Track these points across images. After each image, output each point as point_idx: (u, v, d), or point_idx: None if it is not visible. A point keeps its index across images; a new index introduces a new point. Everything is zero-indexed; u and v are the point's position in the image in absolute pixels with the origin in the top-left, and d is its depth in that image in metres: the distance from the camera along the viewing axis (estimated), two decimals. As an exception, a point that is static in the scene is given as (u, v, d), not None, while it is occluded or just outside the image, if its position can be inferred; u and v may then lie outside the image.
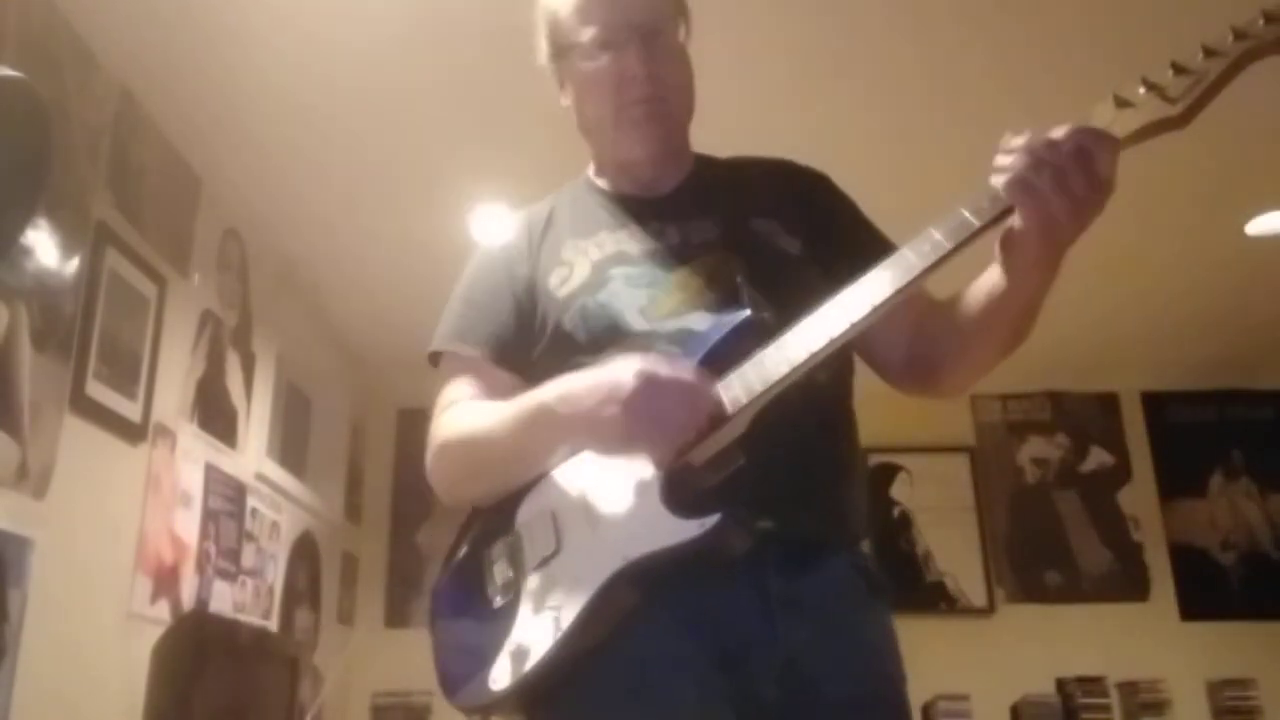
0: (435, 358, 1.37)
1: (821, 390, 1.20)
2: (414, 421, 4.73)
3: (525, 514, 1.20)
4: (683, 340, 1.17)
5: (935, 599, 4.75)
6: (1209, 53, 0.91)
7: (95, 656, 2.45)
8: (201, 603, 2.99)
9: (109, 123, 2.59)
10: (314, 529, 4.09)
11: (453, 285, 1.44)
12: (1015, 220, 1.00)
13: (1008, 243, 1.02)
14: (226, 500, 3.21)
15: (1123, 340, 4.62)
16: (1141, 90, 0.95)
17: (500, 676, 1.12)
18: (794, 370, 1.05)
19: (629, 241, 1.31)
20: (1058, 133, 0.99)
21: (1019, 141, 1.00)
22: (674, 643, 1.10)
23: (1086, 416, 5.06)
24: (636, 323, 1.21)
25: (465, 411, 1.28)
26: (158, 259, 2.81)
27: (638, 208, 1.36)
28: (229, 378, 3.30)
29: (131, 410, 2.63)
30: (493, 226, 3.40)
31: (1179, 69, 0.92)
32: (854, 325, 1.04)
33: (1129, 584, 4.78)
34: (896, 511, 4.87)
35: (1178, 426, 5.01)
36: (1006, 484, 4.96)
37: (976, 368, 1.23)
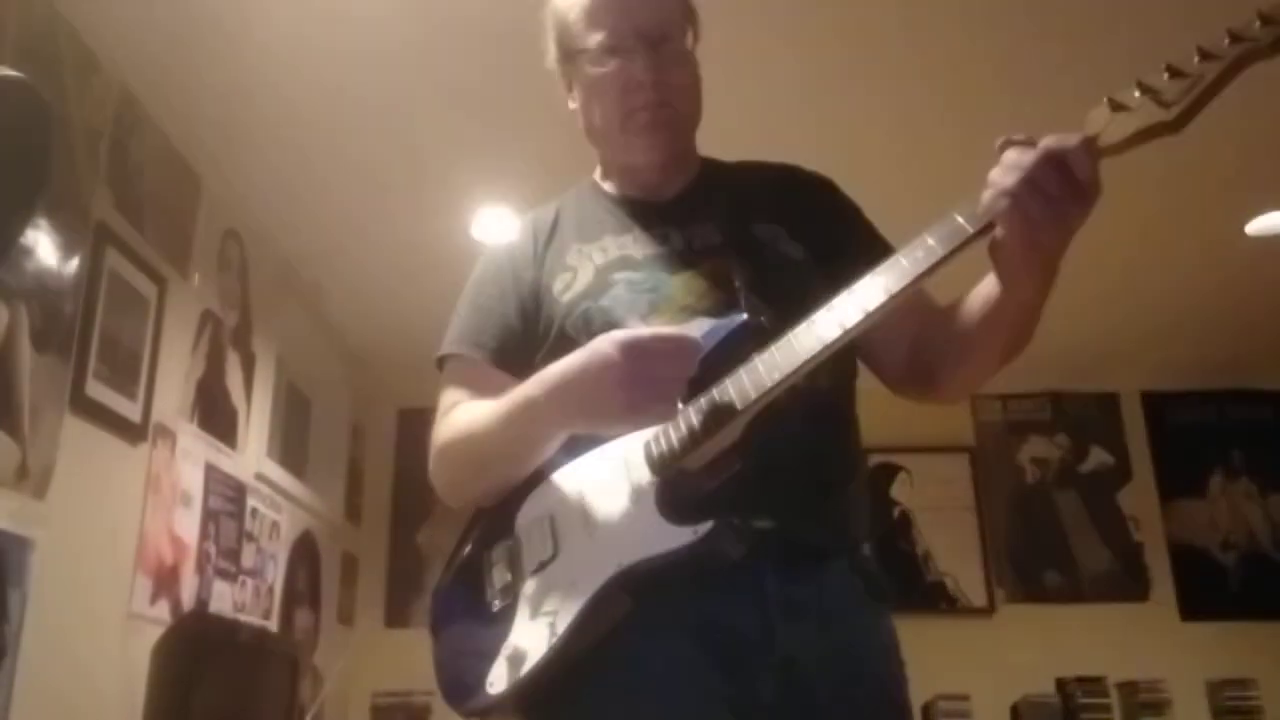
0: (441, 362, 1.38)
1: (822, 394, 1.21)
2: (414, 421, 4.73)
3: (525, 518, 1.20)
4: None
5: (935, 599, 4.75)
6: (1205, 56, 0.90)
7: (95, 656, 2.45)
8: (201, 603, 2.99)
9: (109, 123, 2.59)
10: (314, 529, 4.09)
11: (454, 286, 1.45)
12: (997, 228, 1.00)
13: (993, 251, 1.02)
14: (226, 500, 3.21)
15: (1123, 340, 4.61)
16: (1136, 94, 0.94)
17: (497, 680, 1.12)
18: (787, 377, 1.05)
19: (633, 246, 1.32)
20: (1042, 141, 1.00)
21: (1006, 154, 1.01)
22: (672, 645, 1.10)
23: (1086, 416, 5.05)
24: (637, 327, 1.21)
25: (463, 413, 1.29)
26: (158, 259, 2.81)
27: (643, 212, 1.36)
28: (229, 378, 3.30)
29: (131, 410, 2.63)
30: (495, 229, 3.41)
31: (1174, 72, 0.91)
32: (847, 332, 1.04)
33: (1129, 584, 4.78)
34: (896, 511, 4.87)
35: (1178, 426, 5.01)
36: (1006, 484, 4.96)
37: (976, 374, 1.23)
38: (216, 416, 3.18)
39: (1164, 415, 5.03)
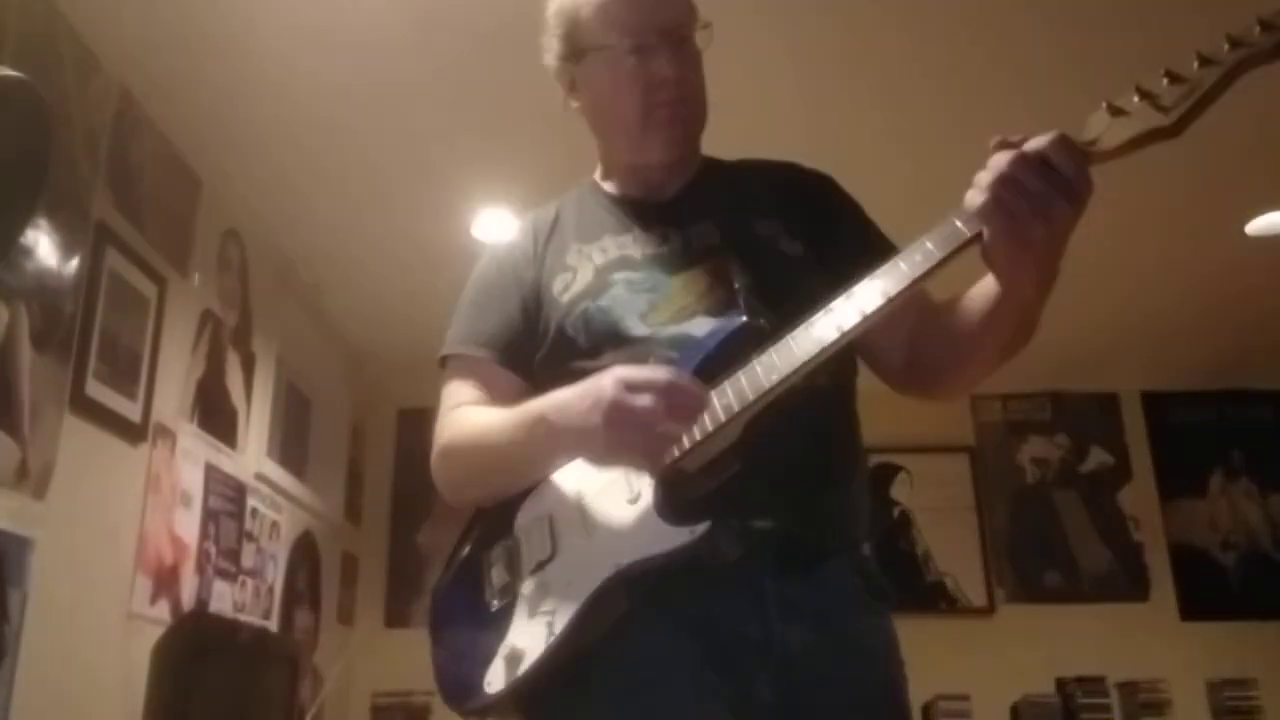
0: (444, 361, 1.38)
1: (822, 393, 1.21)
2: (414, 421, 4.73)
3: (524, 518, 1.21)
4: (681, 345, 1.18)
5: (935, 599, 4.75)
6: (1203, 61, 0.90)
7: (95, 656, 2.45)
8: (201, 603, 2.99)
9: (109, 123, 2.59)
10: (314, 529, 4.09)
11: (455, 286, 1.45)
12: (984, 228, 1.00)
13: (984, 252, 1.02)
14: (226, 500, 3.21)
15: (1123, 340, 4.61)
16: (1135, 99, 0.94)
17: (495, 679, 1.13)
18: (785, 379, 1.05)
19: (632, 246, 1.32)
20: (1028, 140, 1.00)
21: (995, 155, 1.01)
22: (670, 645, 1.10)
23: (1086, 416, 5.06)
24: (636, 328, 1.22)
25: (469, 415, 1.30)
26: (158, 259, 2.81)
27: (643, 211, 1.36)
28: (229, 378, 3.30)
29: (131, 410, 2.63)
30: (495, 229, 3.41)
31: (1173, 77, 0.92)
32: (845, 334, 1.04)
33: (1129, 584, 4.78)
34: (896, 511, 4.87)
35: (1178, 426, 5.01)
36: (1006, 484, 4.96)
37: (975, 372, 1.22)
38: (216, 416, 3.18)
39: (1164, 415, 5.03)
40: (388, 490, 4.86)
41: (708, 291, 1.23)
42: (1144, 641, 4.60)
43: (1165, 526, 4.87)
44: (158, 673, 2.54)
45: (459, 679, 1.18)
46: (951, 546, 4.81)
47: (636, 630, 1.09)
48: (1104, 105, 0.96)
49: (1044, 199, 0.96)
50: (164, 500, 2.79)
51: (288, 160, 3.13)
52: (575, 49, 1.36)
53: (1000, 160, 0.98)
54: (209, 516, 3.07)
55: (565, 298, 1.29)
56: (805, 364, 1.05)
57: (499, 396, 1.26)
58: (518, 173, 3.13)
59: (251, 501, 3.42)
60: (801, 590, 1.15)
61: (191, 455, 2.98)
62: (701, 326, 1.18)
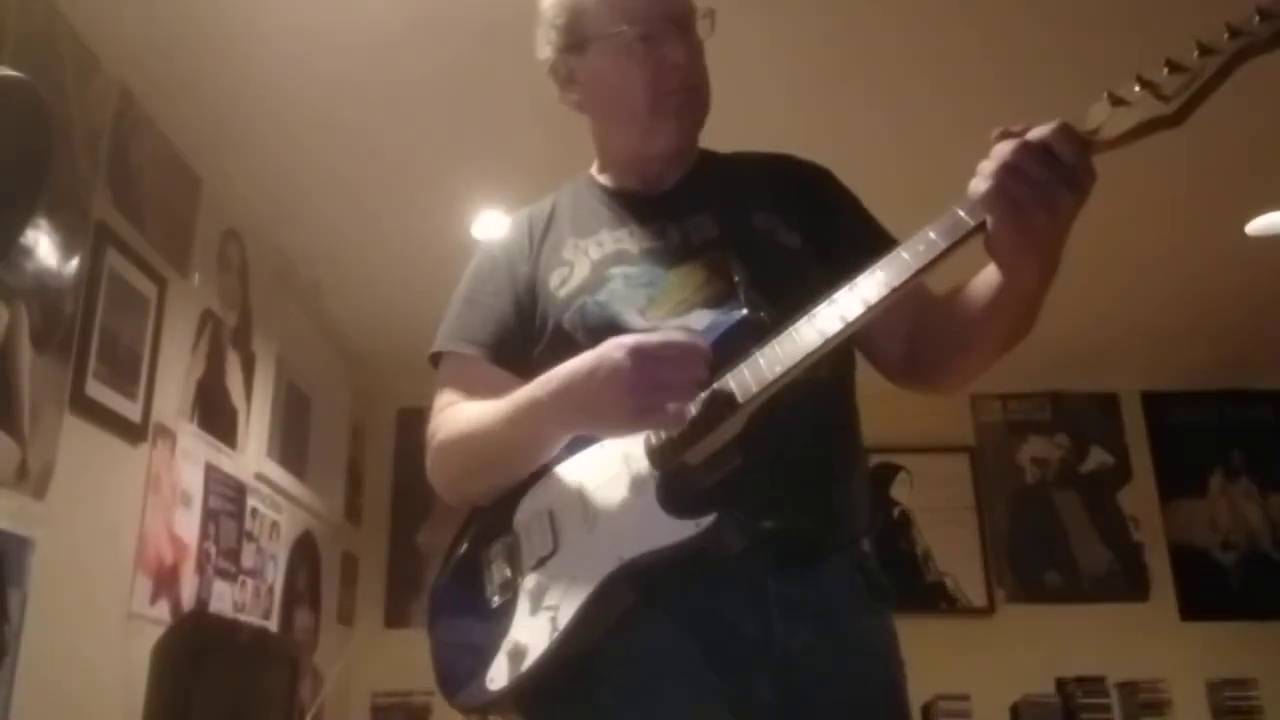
0: (436, 358, 1.37)
1: (823, 386, 1.20)
2: (414, 421, 4.72)
3: (523, 514, 1.20)
4: None
5: (935, 599, 4.75)
6: (1204, 50, 0.91)
7: (95, 656, 2.45)
8: (201, 603, 2.99)
9: (109, 123, 2.59)
10: (314, 529, 4.09)
11: (454, 285, 1.44)
12: (987, 217, 1.00)
13: (987, 241, 1.02)
14: (226, 500, 3.21)
15: (1123, 340, 4.61)
16: (1136, 88, 0.94)
17: (498, 676, 1.12)
18: (788, 371, 1.05)
19: (629, 240, 1.31)
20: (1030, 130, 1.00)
21: (997, 145, 1.01)
22: (671, 643, 1.10)
23: (1086, 416, 5.06)
24: (635, 322, 1.21)
25: (462, 411, 1.28)
26: (158, 259, 2.81)
27: (639, 205, 1.36)
28: (229, 378, 3.30)
29: (131, 410, 2.63)
30: (496, 229, 3.40)
31: (1174, 66, 0.92)
32: (848, 325, 1.04)
33: (1129, 584, 4.78)
34: (896, 511, 4.87)
35: (1178, 426, 5.01)
36: (1006, 484, 4.96)
37: (975, 364, 1.22)
38: (216, 416, 3.18)
39: (1164, 415, 5.03)
40: (388, 490, 4.86)
41: (706, 285, 1.23)
42: (1144, 641, 4.60)
43: (1165, 526, 4.87)
44: (158, 673, 2.53)
45: (460, 676, 1.17)
46: (951, 546, 4.81)
47: (637, 628, 1.09)
48: (1105, 95, 0.97)
49: (1047, 187, 0.96)
50: (164, 500, 2.79)
51: (288, 160, 3.14)
52: (578, 39, 1.35)
53: (1003, 149, 0.98)
54: (209, 516, 3.07)
55: (562, 293, 1.29)
56: (810, 355, 1.04)
57: (491, 394, 1.25)
58: (518, 173, 3.12)
59: (251, 501, 3.42)
60: (802, 589, 1.14)
61: (191, 455, 2.98)
62: (700, 320, 1.17)
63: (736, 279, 1.18)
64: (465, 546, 1.26)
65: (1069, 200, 0.97)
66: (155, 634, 2.62)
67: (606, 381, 1.06)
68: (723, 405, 1.07)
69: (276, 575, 3.66)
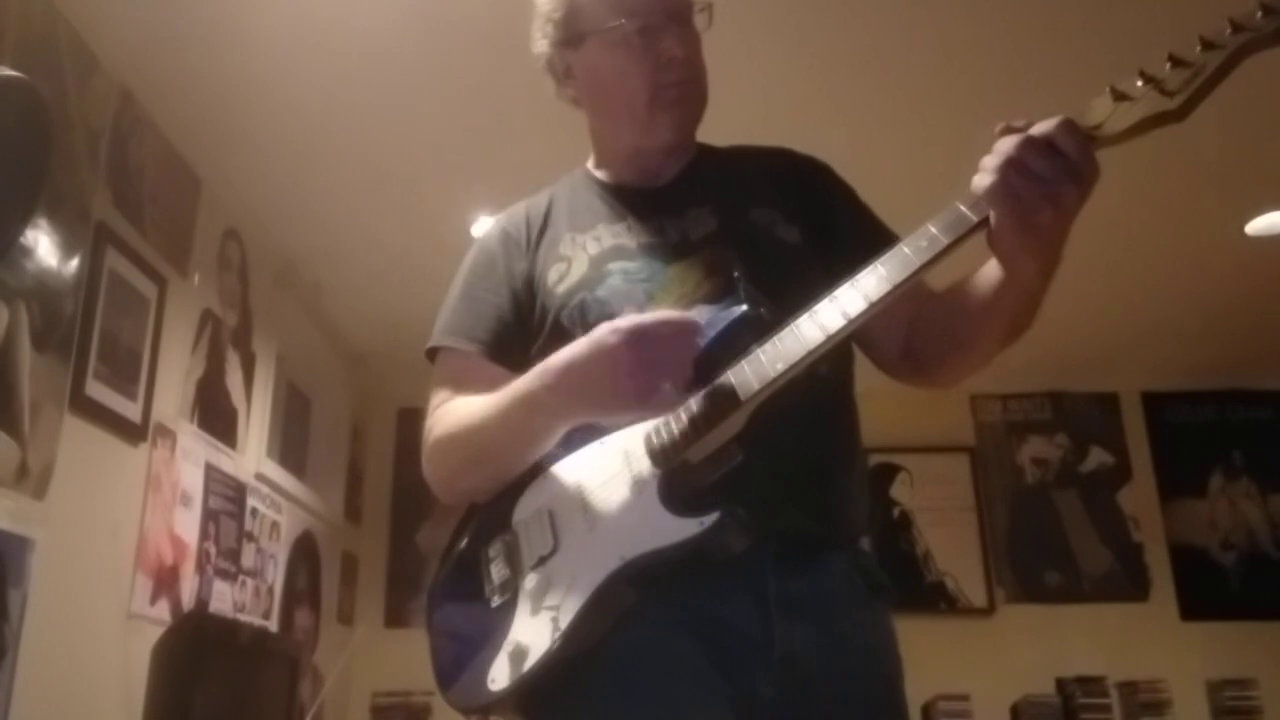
0: (433, 353, 1.36)
1: (822, 382, 1.20)
2: (414, 421, 4.69)
3: (522, 512, 1.19)
4: None
5: (935, 599, 4.75)
6: (1206, 45, 0.91)
7: (95, 656, 2.45)
8: (201, 603, 2.99)
9: (109, 123, 2.59)
10: (314, 529, 4.09)
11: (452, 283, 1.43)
12: (991, 212, 1.00)
13: (990, 236, 1.02)
14: (226, 500, 3.21)
15: (1123, 340, 4.61)
16: (1139, 84, 0.94)
17: (499, 677, 1.11)
18: (791, 368, 1.05)
19: (627, 235, 1.31)
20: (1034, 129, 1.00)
21: (1000, 140, 1.01)
22: (672, 642, 1.10)
23: (1086, 416, 5.06)
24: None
25: (458, 406, 1.28)
26: (158, 259, 2.81)
27: (637, 199, 1.35)
28: (229, 378, 3.30)
29: (131, 410, 2.63)
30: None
31: (1176, 61, 0.92)
32: (851, 322, 1.04)
33: (1129, 584, 4.78)
34: (896, 511, 4.87)
35: (1178, 426, 5.01)
36: (1006, 484, 4.96)
37: (974, 359, 1.22)
38: (216, 416, 3.18)
39: (1164, 415, 5.03)
40: (388, 490, 4.86)
41: (705, 280, 1.22)
42: (1144, 641, 4.60)
43: (1165, 526, 4.87)
44: (158, 673, 2.53)
45: (461, 677, 1.16)
46: (951, 546, 4.81)
47: (638, 629, 1.08)
48: (1108, 90, 0.96)
49: (1051, 183, 0.96)
50: (164, 500, 2.79)
51: (288, 160, 3.13)
52: (574, 33, 1.34)
53: (1006, 144, 0.98)
54: (209, 516, 3.07)
55: (561, 289, 1.28)
56: (812, 352, 1.04)
57: (489, 391, 1.23)
58: (517, 174, 3.08)
59: (251, 501, 3.42)
60: (802, 587, 1.14)
61: (191, 455, 2.98)
62: (701, 316, 1.17)
63: (736, 274, 1.18)
64: (464, 545, 1.25)
65: (1073, 196, 0.97)
66: (155, 634, 2.61)
67: (602, 365, 1.06)
68: (724, 402, 1.07)
69: (276, 575, 3.66)
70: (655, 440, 1.11)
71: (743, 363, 1.08)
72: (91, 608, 2.44)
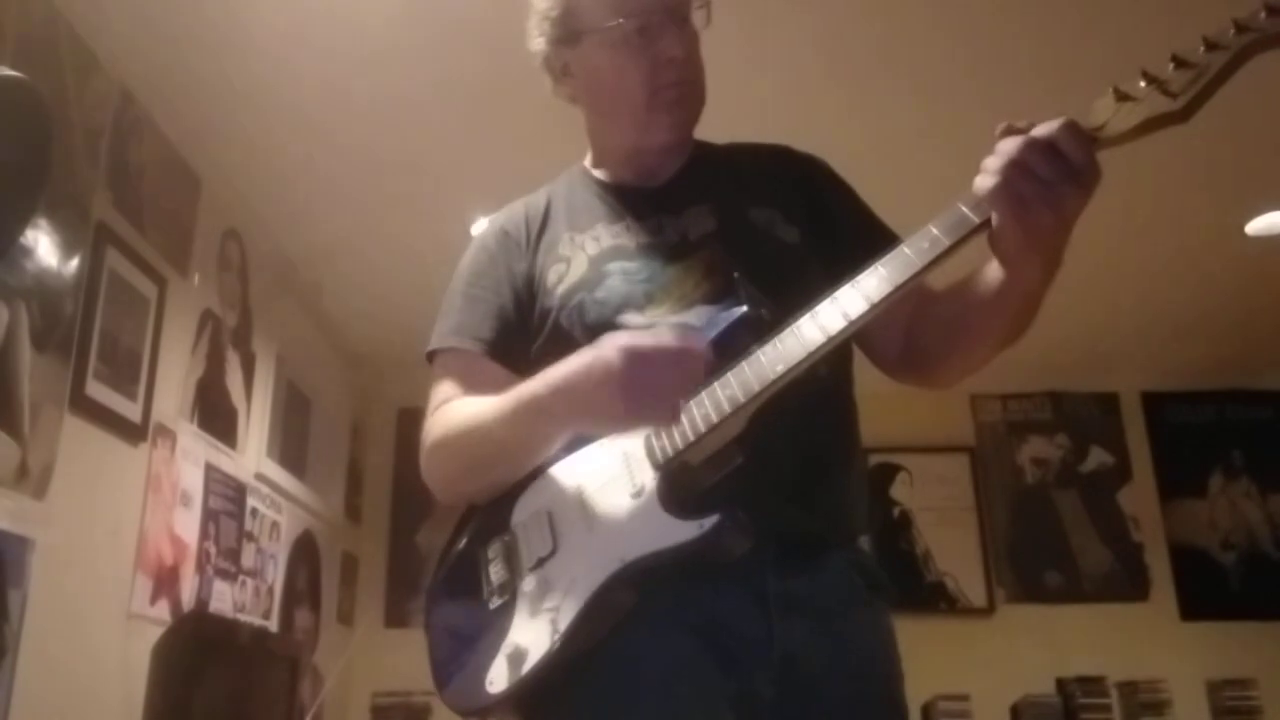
0: (433, 355, 1.36)
1: (822, 383, 1.19)
2: (414, 421, 4.68)
3: (521, 514, 1.19)
4: None
5: (935, 599, 4.74)
6: (1210, 45, 0.90)
7: (95, 656, 2.45)
8: (201, 603, 2.99)
9: (109, 123, 2.58)
10: (314, 529, 4.09)
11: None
12: (993, 213, 1.00)
13: (992, 237, 1.02)
14: (226, 500, 3.21)
15: (1123, 340, 4.61)
16: (1142, 84, 0.94)
17: (498, 679, 1.11)
18: (791, 369, 1.04)
19: (626, 235, 1.30)
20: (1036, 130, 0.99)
21: (1003, 141, 1.00)
22: (672, 643, 1.10)
23: (1086, 416, 5.05)
24: (634, 318, 1.21)
25: (457, 408, 1.27)
26: (158, 259, 2.80)
27: (635, 199, 1.34)
28: (229, 378, 3.30)
29: (131, 410, 2.63)
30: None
31: (1180, 62, 0.92)
32: (851, 323, 1.04)
33: (1129, 584, 4.78)
34: (896, 511, 4.87)
35: (1178, 426, 5.01)
36: (1006, 484, 4.96)
37: (974, 359, 1.22)
38: (216, 416, 3.18)
39: (1164, 415, 5.03)
40: (388, 490, 4.85)
41: (705, 280, 1.22)
42: (1144, 641, 4.59)
43: (1165, 526, 4.86)
44: (158, 673, 2.53)
45: (459, 679, 1.16)
46: (951, 546, 4.80)
47: (638, 630, 1.08)
48: (1110, 91, 0.96)
49: (1053, 184, 0.96)
50: (164, 500, 2.79)
51: (287, 160, 3.13)
52: (572, 31, 1.33)
53: (1008, 146, 0.98)
54: (209, 516, 3.07)
55: (560, 289, 1.27)
56: (813, 353, 1.04)
57: (492, 390, 1.23)
58: (517, 174, 3.08)
59: (251, 501, 3.42)
60: (801, 587, 1.14)
61: (191, 455, 2.98)
62: (699, 316, 1.17)
63: (735, 275, 1.17)
64: (462, 546, 1.25)
65: (1075, 198, 0.97)
66: (155, 634, 2.61)
67: (600, 381, 1.06)
68: (724, 404, 1.06)
69: (276, 575, 3.66)
70: (655, 442, 1.11)
71: (743, 364, 1.07)
72: (91, 608, 2.44)
